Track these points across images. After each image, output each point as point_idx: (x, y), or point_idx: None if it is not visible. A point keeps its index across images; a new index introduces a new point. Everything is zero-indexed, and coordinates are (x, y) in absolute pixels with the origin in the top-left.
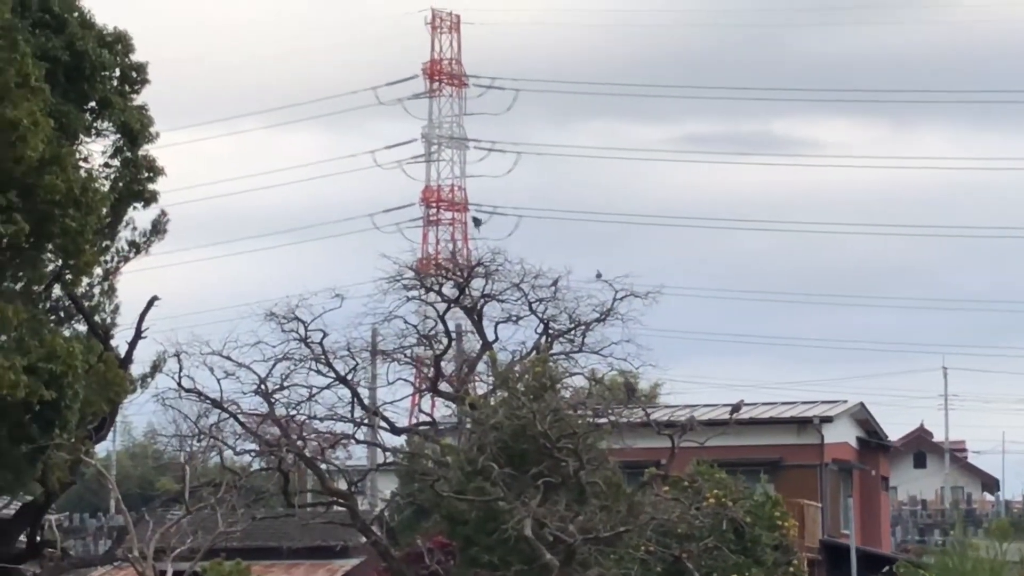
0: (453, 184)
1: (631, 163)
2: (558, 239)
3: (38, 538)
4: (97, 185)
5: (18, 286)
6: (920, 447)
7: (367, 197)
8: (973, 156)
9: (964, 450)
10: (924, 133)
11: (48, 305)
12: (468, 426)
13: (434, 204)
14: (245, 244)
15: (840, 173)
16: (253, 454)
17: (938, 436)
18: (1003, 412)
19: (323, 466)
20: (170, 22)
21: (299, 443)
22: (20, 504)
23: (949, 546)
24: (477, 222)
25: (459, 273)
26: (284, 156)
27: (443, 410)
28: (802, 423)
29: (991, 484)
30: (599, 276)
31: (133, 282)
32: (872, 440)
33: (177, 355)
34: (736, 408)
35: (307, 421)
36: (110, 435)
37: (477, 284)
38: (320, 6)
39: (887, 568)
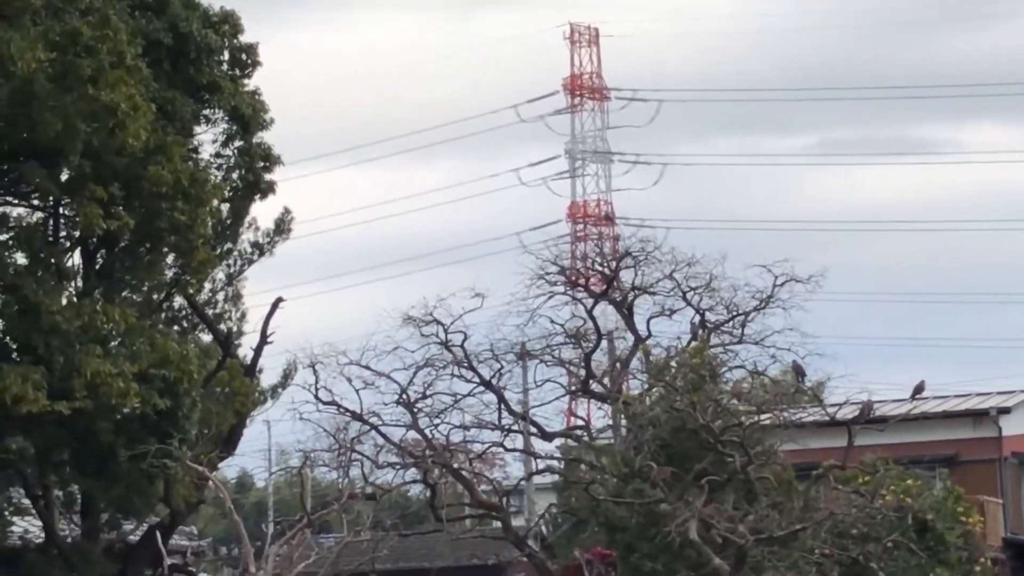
0: (599, 199)
1: (773, 171)
2: (703, 255)
3: (166, 563)
4: (208, 176)
5: (136, 296)
6: None
7: (513, 217)
8: None
9: None
10: None
11: (170, 315)
12: (623, 426)
13: (581, 220)
14: (389, 270)
15: (986, 173)
16: (397, 467)
17: None
18: None
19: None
20: (305, 55)
21: (446, 454)
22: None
23: None
24: (800, 371)
25: (606, 265)
26: (427, 182)
27: (596, 412)
28: (978, 416)
29: None
30: (799, 371)
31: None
32: None
33: (312, 366)
34: (919, 389)
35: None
36: (270, 465)
37: (627, 277)
38: (456, 29)
39: None
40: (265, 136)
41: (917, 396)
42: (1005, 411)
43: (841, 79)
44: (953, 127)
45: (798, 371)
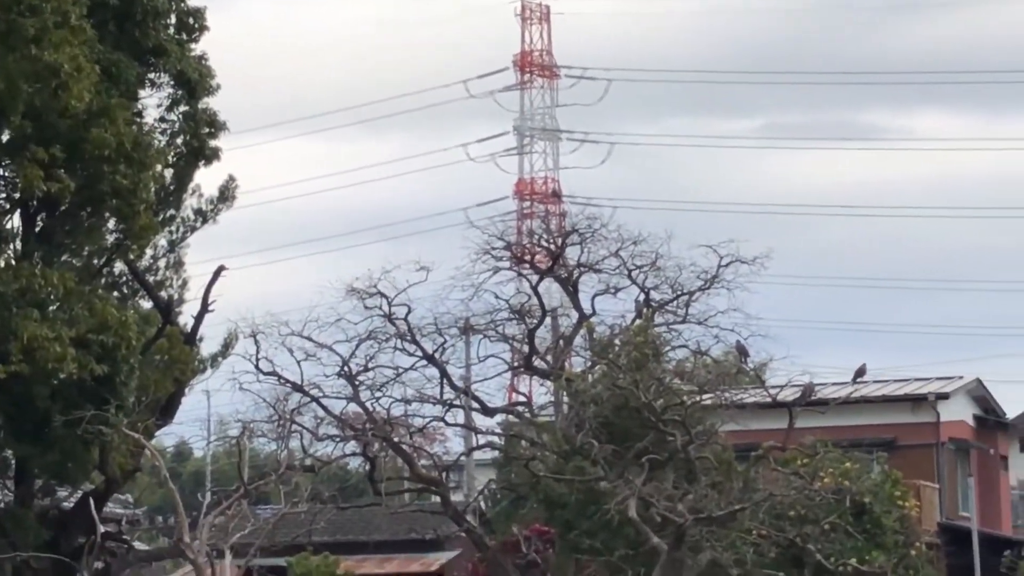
0: (547, 176)
1: (721, 153)
2: (650, 233)
3: (100, 531)
4: (152, 140)
5: (76, 260)
6: None
7: (461, 193)
8: None
9: None
10: (1018, 122)
11: (110, 280)
12: (565, 403)
13: (528, 197)
14: (335, 242)
15: (931, 160)
16: (337, 440)
17: None
18: None
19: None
20: (256, 27)
21: (387, 428)
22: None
23: None
24: (743, 351)
25: (553, 241)
26: (375, 155)
27: (538, 389)
28: (917, 401)
29: None
30: (743, 351)
31: (218, 287)
32: (990, 418)
33: (254, 335)
34: (860, 372)
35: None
36: (208, 435)
37: (573, 254)
38: (409, 3)
39: (1008, 551)
40: (211, 102)
41: (858, 380)
42: (944, 397)
43: (790, 63)
44: (900, 114)
45: (741, 352)
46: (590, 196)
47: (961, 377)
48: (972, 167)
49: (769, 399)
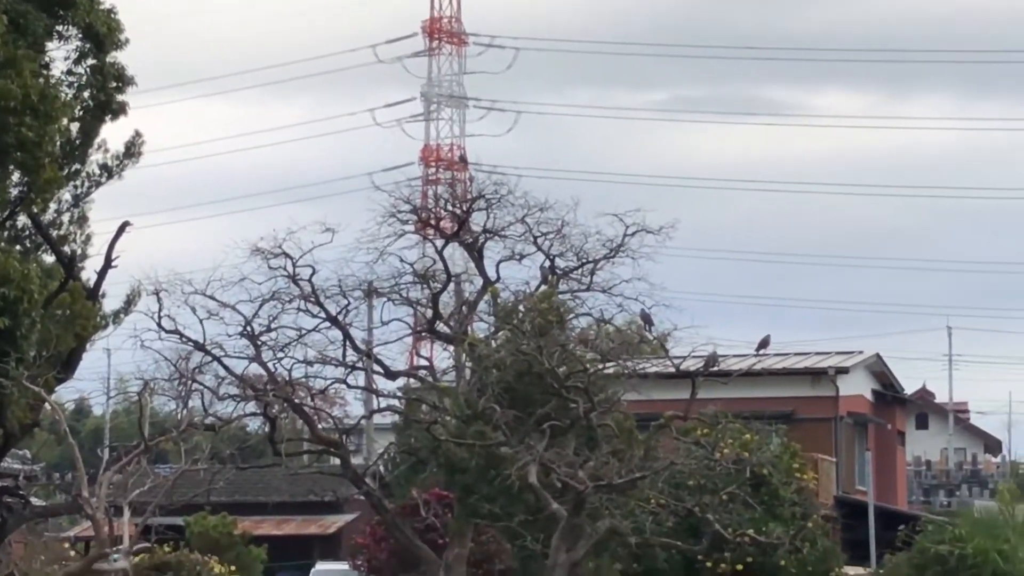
0: (452, 143)
1: (626, 125)
2: (556, 200)
3: None
4: (58, 93)
5: None
6: (923, 409)
7: (367, 157)
8: (967, 118)
9: (967, 411)
10: (918, 101)
11: (12, 234)
12: (468, 367)
13: (433, 163)
14: (240, 204)
15: (832, 136)
16: (238, 400)
17: (941, 397)
18: (1008, 374)
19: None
20: None
21: (288, 389)
22: None
23: (956, 506)
24: (647, 319)
25: (458, 206)
26: (282, 117)
27: (441, 354)
28: (816, 374)
29: (994, 446)
30: (647, 319)
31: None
32: (888, 393)
33: (156, 293)
34: (764, 343)
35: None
36: (108, 392)
37: (478, 220)
38: None
39: (903, 526)
40: (119, 56)
41: (761, 351)
42: (843, 371)
43: (695, 37)
44: (802, 91)
45: (645, 320)
46: (496, 164)
47: (861, 352)
48: (873, 145)
49: (672, 369)
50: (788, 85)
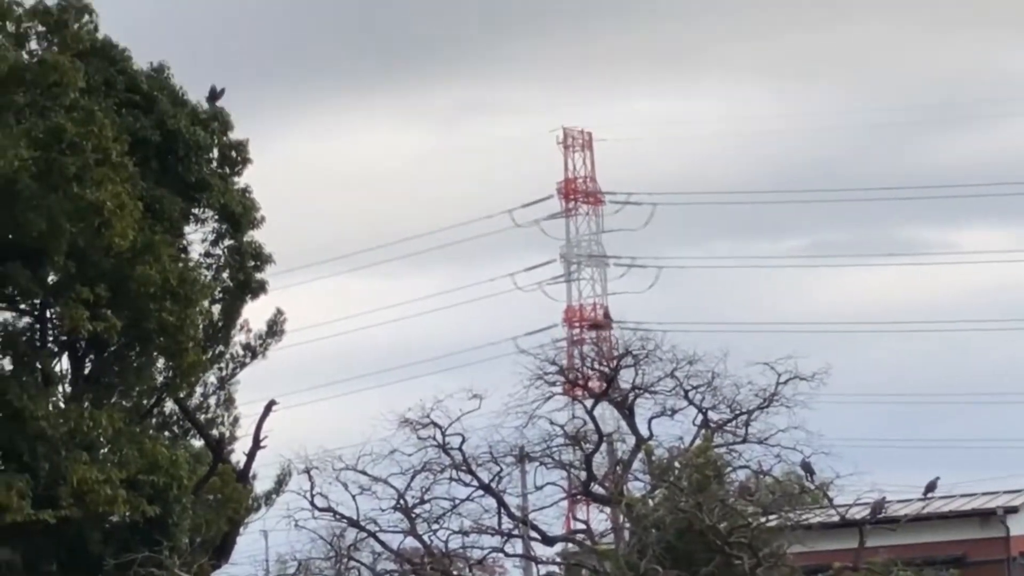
0: (595, 302)
1: (767, 273)
2: (704, 353)
3: None
4: (197, 275)
5: (126, 401)
6: None
7: (509, 323)
8: None
9: None
10: None
11: (160, 420)
12: (626, 529)
13: (577, 323)
14: (381, 378)
15: (979, 273)
16: (395, 575)
17: None
18: None
19: None
20: (295, 161)
21: (445, 561)
22: None
23: None
24: (808, 468)
25: (606, 364)
26: (421, 288)
27: (598, 515)
28: (985, 515)
29: None
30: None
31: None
32: None
33: (307, 471)
34: (931, 487)
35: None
36: (267, 573)
37: (627, 377)
38: (449, 135)
39: None
40: (256, 235)
41: (929, 495)
42: (1013, 511)
43: (831, 181)
44: (945, 228)
45: (806, 469)
46: (640, 320)
47: None
48: (1017, 278)
49: (837, 518)
50: (930, 223)
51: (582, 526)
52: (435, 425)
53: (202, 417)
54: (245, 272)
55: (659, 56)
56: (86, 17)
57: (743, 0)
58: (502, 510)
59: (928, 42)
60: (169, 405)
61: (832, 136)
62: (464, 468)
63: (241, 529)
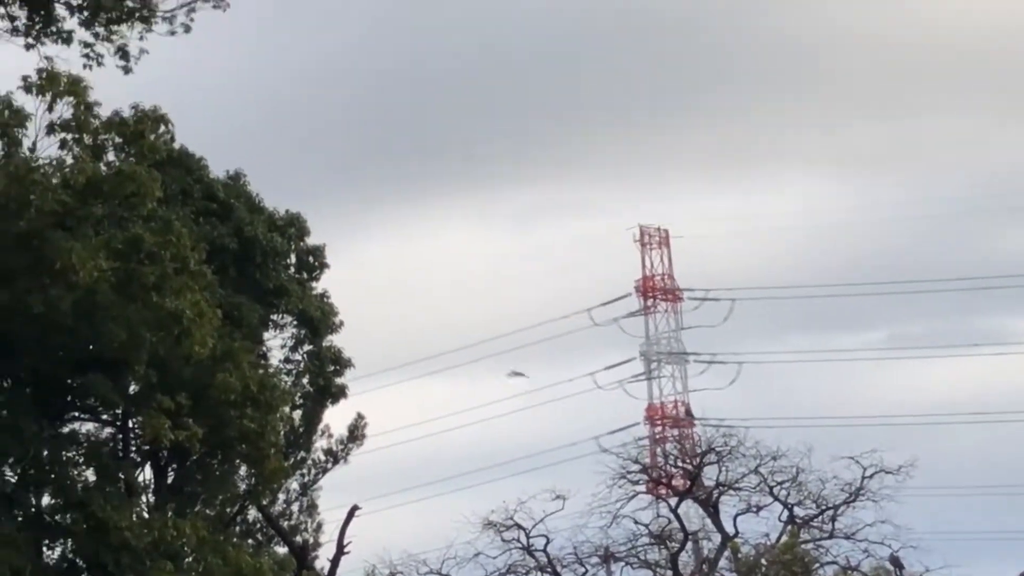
0: (676, 400)
1: (846, 367)
2: (787, 448)
3: None
4: (277, 382)
5: (209, 509)
6: None
7: (591, 422)
8: None
9: None
10: None
11: (243, 528)
12: None
13: (659, 422)
14: (464, 481)
15: None
16: None
17: None
18: None
19: None
20: (374, 264)
21: None
22: None
23: None
24: (897, 563)
25: (689, 461)
26: (502, 390)
27: None
28: None
29: None
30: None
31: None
32: None
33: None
34: None
35: None
36: None
37: (710, 475)
38: (525, 235)
39: None
40: (335, 340)
41: None
42: None
43: (901, 272)
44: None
45: (895, 563)
46: (722, 417)
47: None
48: None
49: None
50: (1009, 312)
51: None
52: (519, 527)
53: (285, 524)
54: (325, 377)
55: (720, 151)
56: (162, 127)
57: (814, 94)
58: None
59: (991, 131)
60: (252, 512)
61: (905, 227)
62: (549, 570)
63: None
